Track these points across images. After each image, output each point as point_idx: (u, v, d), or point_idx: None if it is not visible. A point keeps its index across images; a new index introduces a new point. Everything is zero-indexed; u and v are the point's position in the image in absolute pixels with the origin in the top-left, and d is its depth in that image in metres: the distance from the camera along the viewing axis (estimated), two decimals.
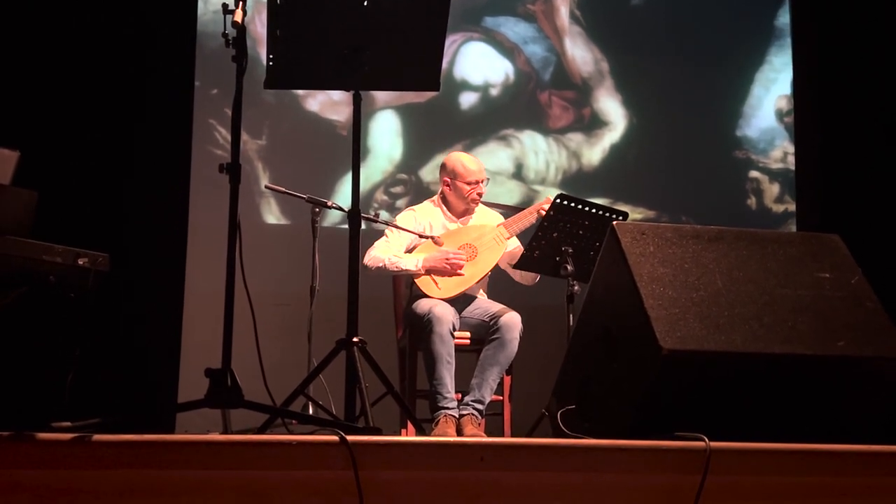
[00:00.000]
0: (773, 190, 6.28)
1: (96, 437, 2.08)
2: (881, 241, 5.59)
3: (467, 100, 6.02)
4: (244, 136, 5.61)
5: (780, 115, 6.35)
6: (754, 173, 6.28)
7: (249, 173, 5.62)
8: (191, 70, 5.58)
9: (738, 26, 6.37)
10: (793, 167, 6.30)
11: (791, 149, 6.32)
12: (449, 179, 4.34)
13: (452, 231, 4.31)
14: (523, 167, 6.03)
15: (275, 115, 5.76)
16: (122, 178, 5.25)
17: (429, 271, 4.16)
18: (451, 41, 5.95)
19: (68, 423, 2.28)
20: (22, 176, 3.31)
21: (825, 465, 2.31)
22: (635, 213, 5.91)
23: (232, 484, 2.09)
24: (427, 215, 4.36)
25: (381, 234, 4.33)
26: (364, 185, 5.75)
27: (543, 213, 4.23)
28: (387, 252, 4.20)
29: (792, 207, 6.28)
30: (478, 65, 6.05)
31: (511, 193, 5.92)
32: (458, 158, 4.38)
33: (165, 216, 5.37)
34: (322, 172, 5.61)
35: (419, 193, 5.56)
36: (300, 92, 5.67)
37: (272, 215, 5.70)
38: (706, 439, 2.24)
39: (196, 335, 5.26)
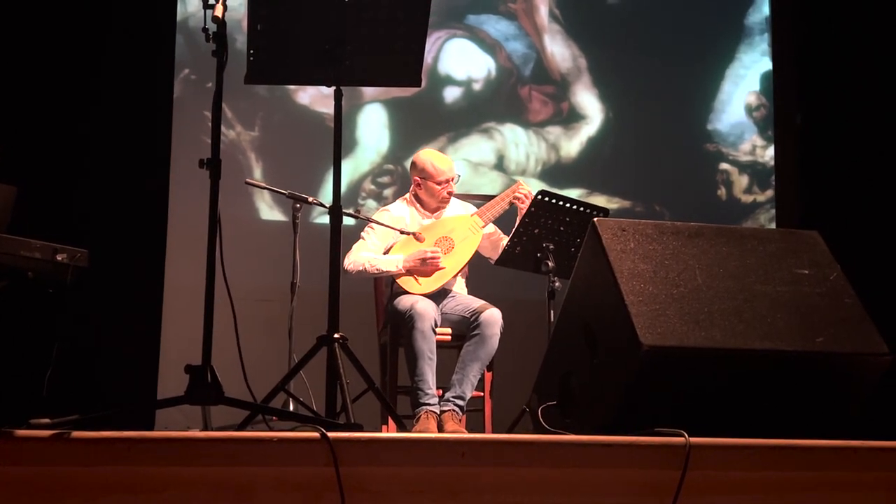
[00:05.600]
0: (742, 181, 6.45)
1: (75, 433, 2.06)
2: (860, 236, 5.64)
3: (451, 94, 6.13)
4: (237, 128, 5.69)
5: (749, 109, 6.53)
6: (724, 165, 6.45)
7: (243, 163, 5.69)
8: (170, 63, 5.57)
9: (709, 25, 6.55)
10: (761, 160, 6.49)
11: (759, 142, 6.51)
12: (419, 179, 4.33)
13: (427, 225, 4.30)
14: (504, 159, 6.15)
15: (267, 107, 5.83)
16: (101, 174, 5.22)
17: (409, 271, 4.15)
18: (435, 38, 6.07)
19: (47, 420, 2.27)
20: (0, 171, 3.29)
21: (804, 461, 2.33)
22: (611, 204, 6.05)
23: (212, 480, 2.08)
24: (401, 213, 4.36)
25: (364, 228, 4.32)
26: (352, 176, 5.87)
27: (517, 199, 4.26)
28: (366, 254, 4.19)
29: (760, 198, 6.46)
30: (461, 61, 6.16)
31: (493, 184, 6.05)
32: (428, 158, 4.36)
33: (144, 211, 5.35)
34: (312, 165, 5.68)
35: (405, 184, 5.61)
36: (290, 86, 5.71)
37: (266, 210, 5.75)
38: (686, 435, 2.25)
39: (176, 331, 5.24)
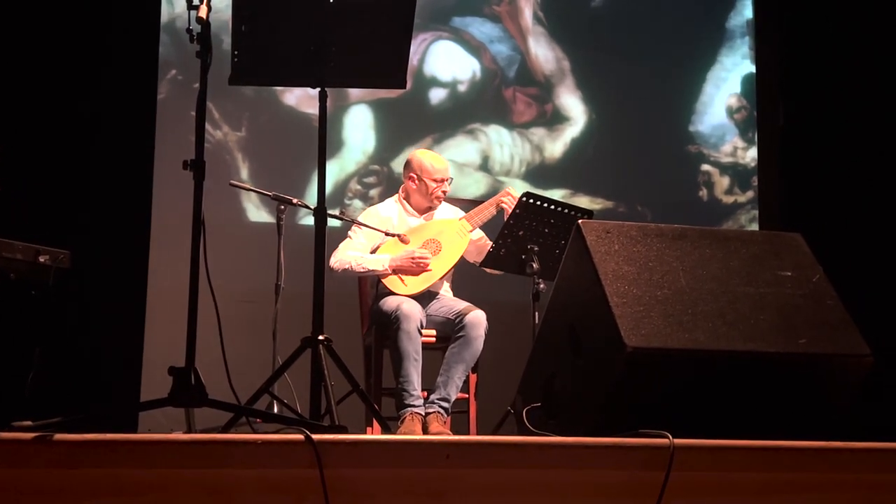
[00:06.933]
0: (723, 182, 6.54)
1: (58, 436, 2.05)
2: (842, 238, 5.67)
3: (436, 95, 6.17)
4: (224, 129, 5.70)
5: (730, 112, 6.62)
6: (706, 167, 6.53)
7: (230, 164, 5.71)
8: (154, 64, 5.56)
9: (691, 28, 6.63)
10: (742, 161, 6.58)
11: (740, 143, 6.59)
12: (415, 175, 4.33)
13: (416, 227, 4.30)
14: (489, 159, 6.20)
15: (254, 108, 5.85)
16: (83, 174, 5.20)
17: (395, 271, 4.15)
18: (420, 40, 6.12)
19: (29, 423, 2.25)
20: None
21: (787, 462, 2.34)
22: (594, 204, 6.12)
23: (196, 483, 2.08)
24: (389, 213, 4.36)
25: (349, 229, 4.32)
26: (339, 176, 5.91)
27: (504, 204, 4.26)
28: (352, 253, 4.19)
29: (741, 199, 6.54)
30: (446, 63, 6.20)
31: (477, 184, 6.10)
32: (426, 156, 4.38)
33: (127, 212, 5.33)
34: (299, 165, 5.68)
35: (391, 184, 5.69)
36: (276, 87, 5.72)
37: (253, 210, 5.76)
38: (670, 436, 2.25)
39: (159, 333, 5.22)
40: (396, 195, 4.44)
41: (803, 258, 2.86)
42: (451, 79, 6.17)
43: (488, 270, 4.36)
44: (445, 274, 4.27)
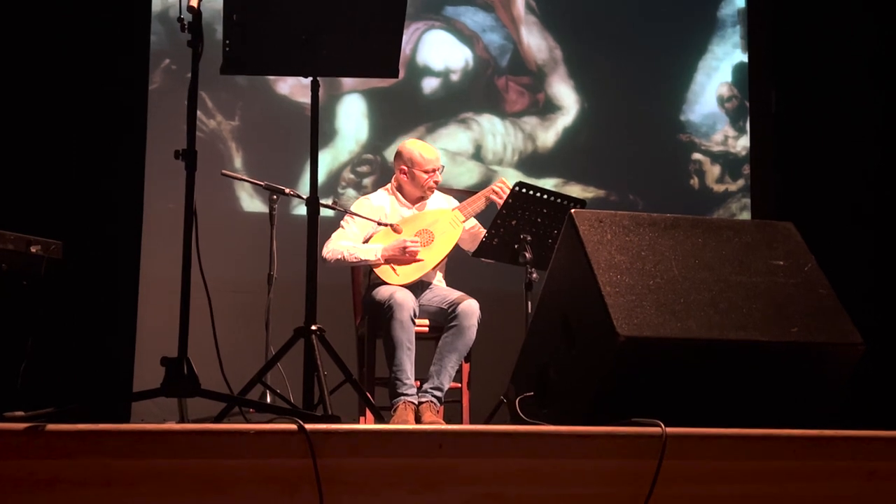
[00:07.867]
0: (714, 171, 6.57)
1: (50, 426, 2.05)
2: (834, 226, 5.69)
3: (429, 85, 6.17)
4: (218, 118, 5.69)
5: (721, 101, 6.64)
6: (697, 155, 6.55)
7: (224, 153, 5.71)
8: (146, 53, 5.54)
9: (682, 17, 6.64)
10: (732, 150, 6.60)
11: (731, 132, 6.62)
12: (406, 168, 4.33)
13: (409, 217, 4.30)
14: (482, 148, 6.21)
15: (247, 97, 5.85)
16: (76, 164, 5.18)
17: (387, 260, 4.15)
18: (413, 29, 6.12)
19: (21, 413, 2.25)
20: None
21: (779, 450, 2.34)
22: (586, 193, 6.15)
23: (189, 473, 2.07)
24: (381, 203, 4.35)
25: (342, 219, 4.32)
26: (332, 166, 5.93)
27: (496, 194, 4.25)
28: (345, 243, 4.18)
29: (732, 188, 6.57)
30: (439, 52, 6.21)
31: (470, 173, 6.12)
32: (415, 146, 4.37)
33: (120, 202, 5.32)
34: (293, 155, 5.70)
35: (384, 173, 5.70)
36: (269, 76, 5.72)
37: (247, 200, 5.76)
38: (662, 425, 2.26)
39: (152, 323, 5.21)
40: (388, 185, 4.43)
41: (795, 247, 2.87)
42: (444, 68, 6.18)
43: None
44: (438, 264, 4.27)
